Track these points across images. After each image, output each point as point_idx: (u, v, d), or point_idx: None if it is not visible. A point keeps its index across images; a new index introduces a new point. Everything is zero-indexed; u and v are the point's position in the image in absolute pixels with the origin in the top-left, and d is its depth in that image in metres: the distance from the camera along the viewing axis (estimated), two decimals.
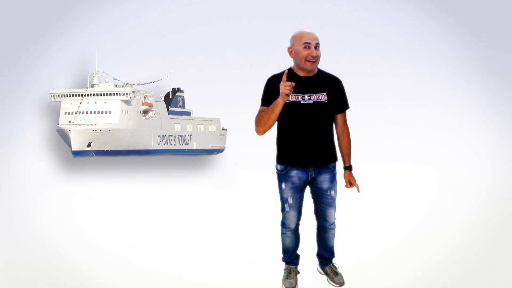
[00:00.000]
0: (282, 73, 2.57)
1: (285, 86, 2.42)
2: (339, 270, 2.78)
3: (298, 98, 2.54)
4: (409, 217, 4.24)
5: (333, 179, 2.77)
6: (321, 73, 2.64)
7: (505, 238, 3.98)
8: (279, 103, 2.47)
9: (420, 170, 6.18)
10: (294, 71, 2.59)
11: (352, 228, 4.12)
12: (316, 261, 2.84)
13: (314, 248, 2.77)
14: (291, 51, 2.59)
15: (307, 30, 2.56)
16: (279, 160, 2.73)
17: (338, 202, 2.64)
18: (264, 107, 2.60)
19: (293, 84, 2.41)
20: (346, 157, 2.81)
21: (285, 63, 2.69)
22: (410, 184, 4.94)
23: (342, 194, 2.76)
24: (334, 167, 2.77)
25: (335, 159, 2.74)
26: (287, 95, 2.41)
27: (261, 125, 2.55)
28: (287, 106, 2.52)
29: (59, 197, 4.21)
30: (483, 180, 5.14)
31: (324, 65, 2.70)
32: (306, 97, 2.54)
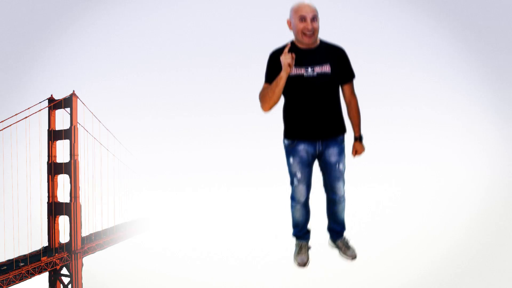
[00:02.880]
0: (283, 47, 2.25)
1: (286, 57, 2.14)
2: (351, 243, 2.65)
3: (301, 71, 2.19)
4: (409, 216, 4.30)
5: (341, 153, 2.39)
6: (323, 44, 2.28)
7: (505, 237, 4.01)
8: (282, 77, 2.13)
9: (420, 170, 6.22)
10: (296, 44, 2.24)
11: (353, 227, 4.16)
12: (327, 235, 2.75)
13: (325, 223, 2.67)
14: (290, 23, 2.25)
15: (305, 2, 2.21)
16: (286, 134, 2.36)
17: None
18: (267, 84, 2.26)
19: (294, 55, 2.14)
20: (356, 127, 2.40)
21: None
22: (410, 184, 5.00)
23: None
24: (343, 140, 2.39)
25: (343, 131, 2.36)
26: (290, 66, 2.12)
27: (265, 101, 2.20)
28: (291, 80, 2.21)
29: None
30: (483, 180, 5.20)
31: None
32: (310, 69, 2.20)
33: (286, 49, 2.10)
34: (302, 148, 2.30)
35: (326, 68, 2.16)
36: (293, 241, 4.46)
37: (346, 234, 2.72)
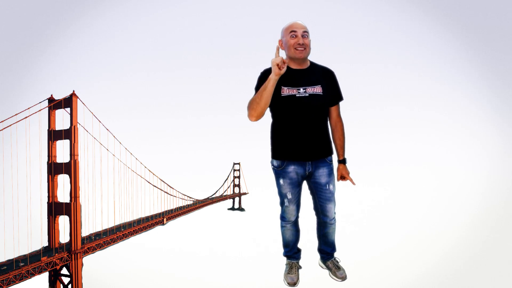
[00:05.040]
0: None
1: (276, 58, 2.14)
2: (341, 264, 2.69)
3: (293, 91, 2.19)
4: (408, 217, 4.29)
5: (330, 173, 2.38)
6: (314, 65, 2.30)
7: (505, 237, 4.00)
8: (271, 79, 2.14)
9: (420, 171, 6.20)
10: (289, 65, 2.26)
11: (352, 228, 4.14)
12: (317, 255, 2.79)
13: (315, 243, 2.70)
14: (281, 43, 2.26)
15: (295, 21, 2.23)
16: (275, 155, 2.33)
17: (340, 204, 2.57)
18: None
19: (285, 60, 2.15)
20: (340, 150, 2.38)
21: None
22: (409, 185, 4.97)
23: (341, 195, 2.74)
24: (331, 160, 2.40)
25: (331, 152, 2.38)
26: (279, 67, 2.12)
27: (253, 108, 2.17)
28: (283, 100, 2.22)
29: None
30: (483, 180, 5.18)
31: (324, 65, 2.65)
32: (302, 90, 2.20)
33: (277, 51, 2.11)
34: (292, 169, 2.28)
35: (318, 89, 2.17)
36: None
37: (337, 254, 2.72)
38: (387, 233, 6.17)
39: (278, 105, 2.16)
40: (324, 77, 2.21)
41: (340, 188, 2.67)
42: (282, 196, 2.32)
